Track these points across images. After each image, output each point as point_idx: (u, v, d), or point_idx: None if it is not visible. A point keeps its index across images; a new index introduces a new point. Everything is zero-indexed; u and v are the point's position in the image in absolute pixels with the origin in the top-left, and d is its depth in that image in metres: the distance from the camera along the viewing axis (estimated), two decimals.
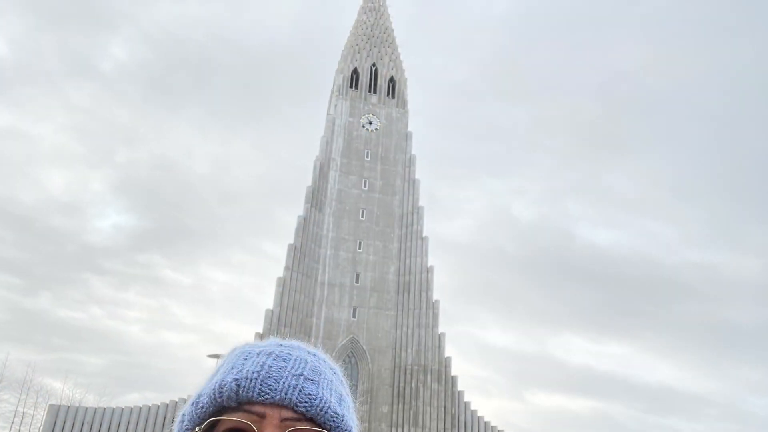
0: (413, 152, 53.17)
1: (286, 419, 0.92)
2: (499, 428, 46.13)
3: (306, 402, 0.94)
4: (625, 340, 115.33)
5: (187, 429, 0.97)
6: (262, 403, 0.92)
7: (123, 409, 42.59)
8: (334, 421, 0.96)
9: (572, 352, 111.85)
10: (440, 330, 47.25)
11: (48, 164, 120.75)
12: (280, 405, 0.93)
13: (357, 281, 48.67)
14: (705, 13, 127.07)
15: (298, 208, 49.67)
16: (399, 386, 46.01)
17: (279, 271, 47.52)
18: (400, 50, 57.82)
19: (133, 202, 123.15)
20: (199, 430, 0.93)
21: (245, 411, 0.92)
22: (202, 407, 0.95)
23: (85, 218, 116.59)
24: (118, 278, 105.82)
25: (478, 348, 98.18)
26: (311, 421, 0.94)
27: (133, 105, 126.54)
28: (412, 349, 46.69)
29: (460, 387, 46.46)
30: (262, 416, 0.91)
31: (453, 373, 46.53)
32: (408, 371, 46.19)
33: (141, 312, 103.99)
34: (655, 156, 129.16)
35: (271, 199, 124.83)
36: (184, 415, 1.00)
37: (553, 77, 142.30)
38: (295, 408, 0.93)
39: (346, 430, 0.98)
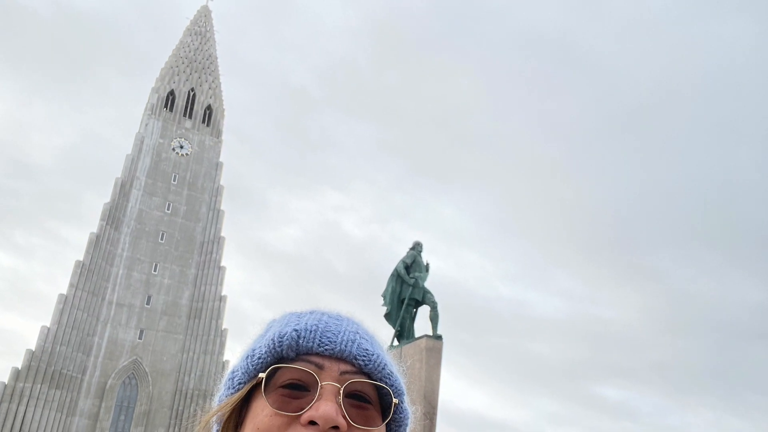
0: (222, 183, 54.24)
1: (345, 372, 0.90)
2: None
3: (364, 356, 0.92)
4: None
5: (239, 383, 0.93)
6: (321, 355, 0.91)
7: None
8: (389, 379, 0.94)
9: None
10: (225, 357, 49.29)
11: None
12: (338, 358, 0.91)
13: (148, 303, 48.75)
14: (526, 65, 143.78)
15: (107, 195, 49.10)
16: (178, 410, 46.98)
17: (79, 255, 46.51)
18: (222, 79, 58.97)
19: None
20: (263, 376, 0.89)
21: (304, 362, 0.90)
22: (259, 358, 0.92)
23: None
24: None
25: None
26: (368, 376, 0.92)
27: None
28: (195, 374, 48.01)
29: None
30: (320, 367, 0.89)
31: None
32: (188, 395, 47.38)
33: None
34: (481, 192, 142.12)
35: (76, 179, 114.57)
36: (234, 371, 0.96)
37: (399, 100, 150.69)
38: (353, 361, 0.91)
39: (400, 391, 0.95)
